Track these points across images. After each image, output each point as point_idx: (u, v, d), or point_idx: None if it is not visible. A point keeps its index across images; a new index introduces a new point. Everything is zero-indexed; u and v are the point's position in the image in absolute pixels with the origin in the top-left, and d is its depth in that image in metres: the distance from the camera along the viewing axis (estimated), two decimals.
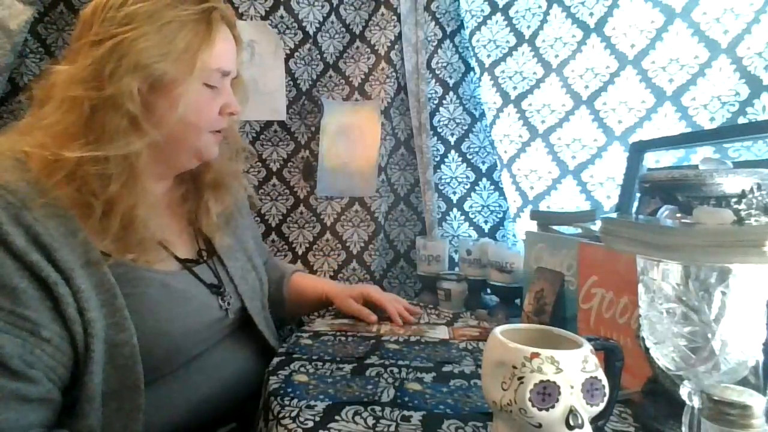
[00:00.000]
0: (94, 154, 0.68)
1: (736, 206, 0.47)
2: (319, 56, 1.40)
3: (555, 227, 1.03)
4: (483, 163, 1.42)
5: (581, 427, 0.45)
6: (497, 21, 1.31)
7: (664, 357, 0.48)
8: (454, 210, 1.44)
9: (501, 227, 1.42)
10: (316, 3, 1.36)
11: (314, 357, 0.83)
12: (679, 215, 0.50)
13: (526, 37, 1.26)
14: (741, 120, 0.91)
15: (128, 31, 0.70)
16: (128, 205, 0.71)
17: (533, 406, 0.44)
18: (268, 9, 1.34)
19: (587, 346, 0.48)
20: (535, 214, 1.12)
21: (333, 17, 1.39)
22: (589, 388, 0.46)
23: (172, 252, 0.82)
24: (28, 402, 0.60)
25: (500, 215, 1.42)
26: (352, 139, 1.39)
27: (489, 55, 1.32)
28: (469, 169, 1.42)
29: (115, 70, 0.69)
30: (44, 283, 0.63)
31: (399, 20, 1.37)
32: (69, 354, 0.64)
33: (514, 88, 1.28)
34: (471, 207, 1.43)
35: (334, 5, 1.38)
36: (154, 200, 0.78)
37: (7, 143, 0.70)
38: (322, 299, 1.09)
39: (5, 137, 0.72)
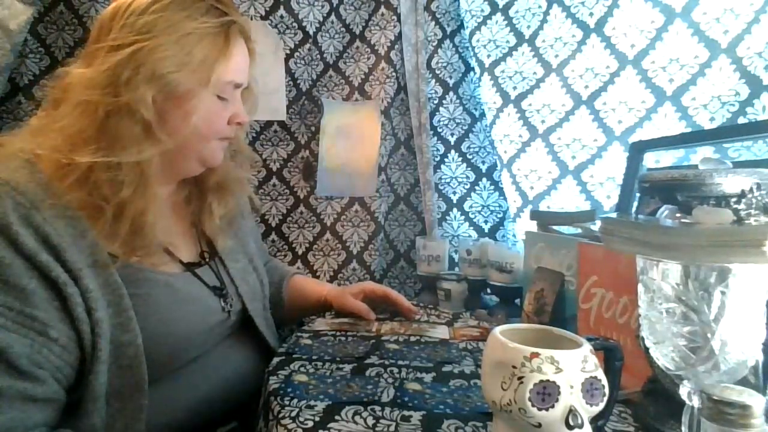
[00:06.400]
0: (107, 161, 0.68)
1: (735, 206, 0.47)
2: (319, 56, 1.40)
3: (555, 227, 1.03)
4: (483, 163, 1.42)
5: (581, 426, 0.45)
6: (497, 21, 1.31)
7: (663, 357, 0.48)
8: (454, 210, 1.44)
9: (501, 227, 1.42)
10: (316, 3, 1.36)
11: (314, 357, 0.83)
12: (678, 215, 0.50)
13: (526, 37, 1.26)
14: (741, 120, 0.91)
15: (147, 40, 0.70)
16: (138, 210, 0.71)
17: (533, 405, 0.44)
18: (268, 9, 1.34)
19: (587, 346, 0.48)
20: (535, 214, 1.12)
21: (333, 17, 1.39)
22: (589, 388, 0.46)
23: (176, 254, 0.82)
24: (34, 402, 0.60)
25: (500, 215, 1.42)
26: (352, 139, 1.39)
27: (489, 55, 1.32)
28: (469, 169, 1.42)
29: (131, 77, 0.69)
30: (53, 284, 0.63)
31: (399, 20, 1.37)
32: (76, 354, 0.65)
33: (514, 88, 1.28)
34: (471, 207, 1.43)
35: (334, 5, 1.38)
36: (161, 204, 0.78)
37: (19, 144, 0.70)
38: (321, 302, 1.09)
39: (17, 137, 0.72)
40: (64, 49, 1.24)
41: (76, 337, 0.64)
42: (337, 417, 0.62)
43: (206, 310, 0.82)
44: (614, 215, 0.82)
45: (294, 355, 0.83)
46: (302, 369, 0.78)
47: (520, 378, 0.46)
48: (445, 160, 1.43)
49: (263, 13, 1.33)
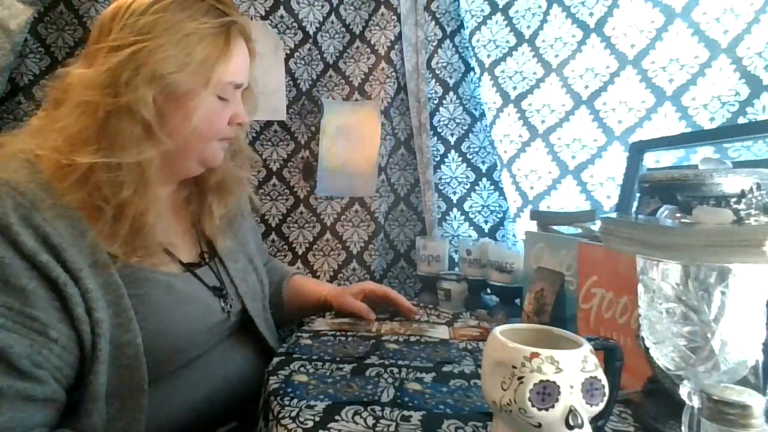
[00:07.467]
0: (107, 161, 0.68)
1: (735, 206, 0.47)
2: (319, 56, 1.40)
3: (555, 227, 1.03)
4: (483, 163, 1.42)
5: (581, 426, 0.45)
6: (497, 21, 1.31)
7: (663, 357, 0.48)
8: (454, 210, 1.44)
9: (501, 227, 1.42)
10: (316, 3, 1.36)
11: (314, 357, 0.83)
12: (678, 215, 0.50)
13: (526, 37, 1.26)
14: (741, 120, 0.91)
15: (148, 40, 0.70)
16: (139, 210, 0.71)
17: (533, 405, 0.44)
18: (268, 9, 1.34)
19: (587, 346, 0.48)
20: (535, 214, 1.12)
21: (333, 17, 1.39)
22: (589, 388, 0.46)
23: (176, 254, 0.82)
24: (34, 402, 0.60)
25: (500, 215, 1.42)
26: (352, 139, 1.39)
27: (489, 55, 1.32)
28: (469, 169, 1.42)
29: (131, 78, 0.69)
30: (53, 284, 0.63)
31: (399, 20, 1.37)
32: (76, 354, 0.65)
33: (514, 88, 1.28)
34: (471, 207, 1.43)
35: (334, 5, 1.38)
36: (161, 204, 0.78)
37: (19, 144, 0.70)
38: (321, 302, 1.09)
39: (17, 138, 0.72)
40: (64, 49, 1.24)
41: (76, 337, 0.64)
42: (337, 417, 0.62)
43: (206, 310, 0.82)
44: (614, 215, 0.82)
45: (294, 355, 0.83)
46: (302, 369, 0.78)
47: (520, 378, 0.46)
48: (445, 160, 1.43)
49: (263, 13, 1.33)
